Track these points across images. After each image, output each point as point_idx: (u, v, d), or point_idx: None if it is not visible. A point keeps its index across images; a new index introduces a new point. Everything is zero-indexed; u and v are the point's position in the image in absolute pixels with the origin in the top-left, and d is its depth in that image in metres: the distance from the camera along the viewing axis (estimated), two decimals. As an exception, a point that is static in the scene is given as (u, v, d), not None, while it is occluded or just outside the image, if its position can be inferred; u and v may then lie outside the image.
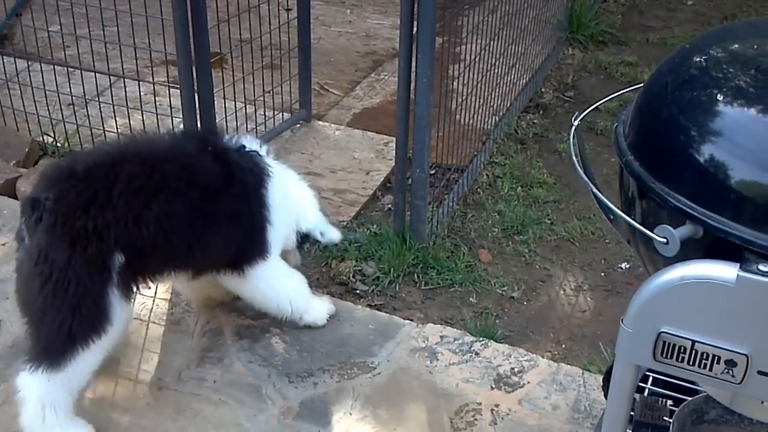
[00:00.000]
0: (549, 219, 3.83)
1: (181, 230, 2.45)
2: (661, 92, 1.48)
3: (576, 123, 1.69)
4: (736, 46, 1.52)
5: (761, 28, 1.62)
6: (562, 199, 4.00)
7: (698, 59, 1.48)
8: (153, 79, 3.82)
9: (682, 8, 6.45)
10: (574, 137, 1.66)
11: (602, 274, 3.51)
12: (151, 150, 2.51)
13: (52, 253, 2.25)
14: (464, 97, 3.91)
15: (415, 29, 3.09)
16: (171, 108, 3.63)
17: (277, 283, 2.82)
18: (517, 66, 4.70)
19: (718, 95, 1.37)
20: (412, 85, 3.18)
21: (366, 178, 3.90)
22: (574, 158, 1.62)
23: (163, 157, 2.47)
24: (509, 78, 4.56)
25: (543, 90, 5.06)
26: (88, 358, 2.36)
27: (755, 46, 1.50)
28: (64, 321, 2.28)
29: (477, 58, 3.90)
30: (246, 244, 2.66)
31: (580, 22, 5.61)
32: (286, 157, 3.97)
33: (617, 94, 1.88)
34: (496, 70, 4.27)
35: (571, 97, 5.05)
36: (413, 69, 3.14)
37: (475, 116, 4.14)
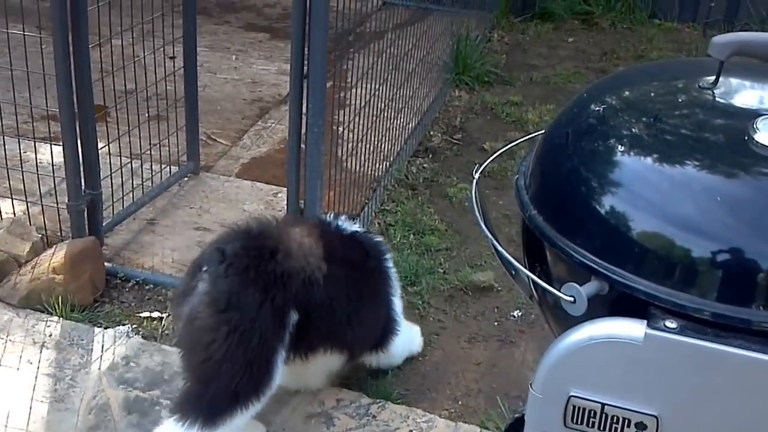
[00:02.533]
0: (442, 268, 3.78)
1: (343, 301, 2.48)
2: (561, 144, 1.46)
3: (477, 176, 1.65)
4: (632, 93, 1.51)
5: (652, 74, 1.63)
6: (454, 246, 3.97)
7: (596, 108, 1.46)
8: (34, 136, 3.59)
9: (563, 45, 6.59)
10: (475, 191, 1.62)
11: (495, 323, 3.46)
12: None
13: (244, 298, 2.23)
14: (354, 144, 3.86)
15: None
16: (53, 166, 3.45)
17: (404, 344, 2.99)
18: (406, 110, 4.69)
19: (617, 146, 1.36)
20: (303, 133, 3.12)
21: (257, 231, 3.79)
22: (477, 213, 1.57)
23: (317, 231, 2.54)
24: (398, 122, 4.55)
25: (432, 133, 5.06)
26: (236, 423, 2.29)
27: (651, 94, 1.50)
28: (235, 376, 2.23)
29: (365, 105, 3.86)
30: (387, 321, 2.78)
31: (466, 63, 5.66)
32: (175, 213, 3.84)
33: (516, 143, 1.85)
34: (385, 115, 4.24)
35: (460, 140, 5.06)
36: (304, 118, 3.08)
37: (366, 163, 4.10)
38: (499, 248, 1.49)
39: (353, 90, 3.83)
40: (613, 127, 1.39)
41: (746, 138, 1.28)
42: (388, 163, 4.44)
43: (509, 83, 5.82)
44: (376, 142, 4.17)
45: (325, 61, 2.92)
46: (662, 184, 1.30)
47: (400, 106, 4.56)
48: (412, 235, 4.03)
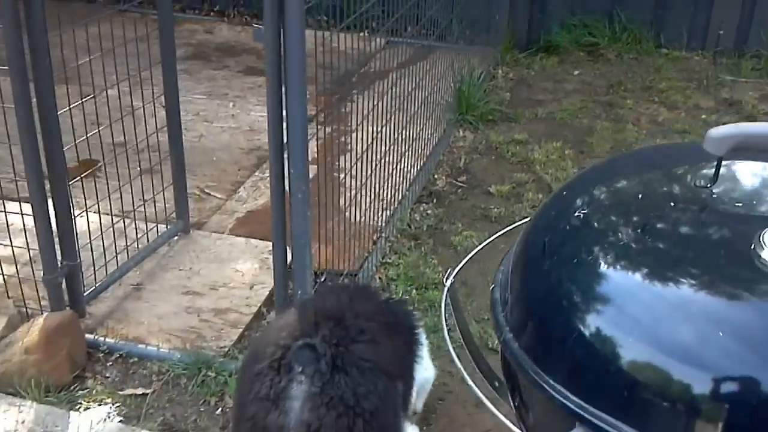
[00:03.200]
0: (447, 325, 3.60)
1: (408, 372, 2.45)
2: (538, 255, 1.26)
3: (448, 283, 1.46)
4: (619, 191, 1.31)
5: (643, 164, 1.41)
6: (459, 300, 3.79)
7: (578, 211, 1.26)
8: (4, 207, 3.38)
9: (569, 78, 6.41)
10: (445, 298, 1.43)
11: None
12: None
13: (375, 384, 2.11)
14: (354, 192, 3.70)
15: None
16: (25, 232, 3.26)
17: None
18: (409, 153, 4.53)
19: (602, 262, 1.15)
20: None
21: (250, 294, 3.62)
22: (444, 328, 1.38)
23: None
24: (401, 167, 4.39)
25: (436, 176, 4.90)
26: None
27: (640, 192, 1.29)
28: None
29: (367, 148, 3.70)
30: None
31: (470, 102, 5.50)
32: (162, 276, 3.67)
33: (490, 240, 1.66)
34: (387, 159, 4.08)
35: (464, 182, 4.89)
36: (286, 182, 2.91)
37: (367, 212, 3.93)
38: (470, 382, 1.29)
39: (354, 134, 3.67)
40: (598, 235, 1.19)
41: (751, 253, 1.08)
42: (389, 212, 4.27)
43: (514, 120, 5.65)
44: (378, 189, 4.01)
45: (305, 123, 2.75)
46: (657, 310, 1.09)
47: (404, 149, 4.40)
48: (414, 290, 3.85)
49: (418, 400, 2.81)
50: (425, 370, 2.77)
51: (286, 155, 2.83)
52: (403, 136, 4.32)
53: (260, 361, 2.15)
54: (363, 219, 3.89)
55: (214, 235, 4.07)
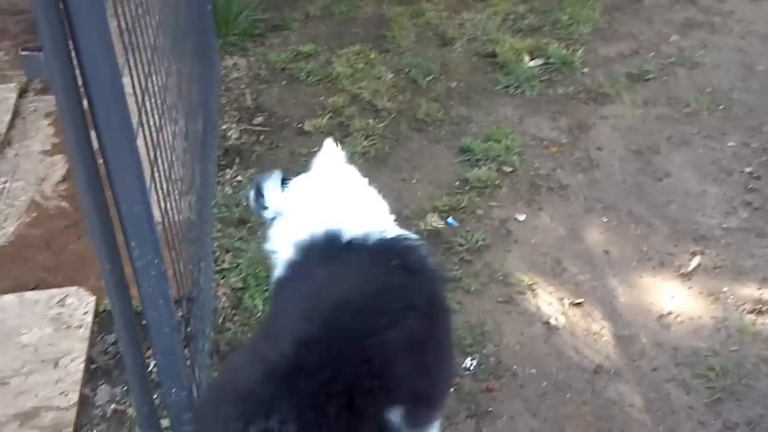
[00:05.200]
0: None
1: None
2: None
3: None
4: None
5: None
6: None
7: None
8: None
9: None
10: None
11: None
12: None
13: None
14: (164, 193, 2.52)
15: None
16: None
17: None
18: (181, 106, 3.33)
19: None
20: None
21: (58, 375, 2.42)
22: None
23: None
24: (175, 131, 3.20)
25: (225, 127, 3.74)
26: None
27: None
28: None
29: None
30: None
31: (227, 18, 4.31)
32: None
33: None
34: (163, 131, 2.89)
35: (263, 124, 3.78)
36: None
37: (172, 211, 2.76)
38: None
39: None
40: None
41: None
42: (194, 198, 3.11)
43: (286, 27, 4.53)
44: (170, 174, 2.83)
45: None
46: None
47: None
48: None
49: None
50: None
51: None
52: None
53: None
54: (166, 219, 2.73)
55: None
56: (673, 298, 2.82)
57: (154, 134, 2.09)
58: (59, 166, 3.48)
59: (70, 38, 1.47)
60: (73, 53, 1.48)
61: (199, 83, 3.26)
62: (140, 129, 1.91)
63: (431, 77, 4.01)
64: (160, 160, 2.15)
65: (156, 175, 2.06)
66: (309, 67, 4.10)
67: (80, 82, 1.52)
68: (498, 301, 2.83)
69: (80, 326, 2.64)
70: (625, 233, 3.10)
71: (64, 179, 3.40)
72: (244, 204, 3.24)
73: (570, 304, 2.81)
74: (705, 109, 3.73)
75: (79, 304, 2.74)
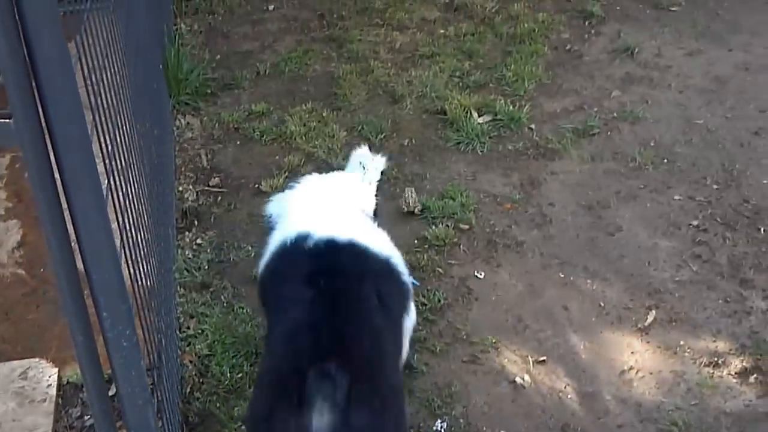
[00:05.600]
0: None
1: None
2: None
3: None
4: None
5: None
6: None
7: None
8: None
9: (267, 17, 5.33)
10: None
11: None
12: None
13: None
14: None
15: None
16: None
17: None
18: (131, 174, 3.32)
19: None
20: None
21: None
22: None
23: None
24: (132, 192, 3.18)
25: (181, 189, 3.74)
26: None
27: None
28: None
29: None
30: None
31: (178, 78, 4.32)
32: None
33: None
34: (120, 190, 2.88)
35: (220, 185, 3.79)
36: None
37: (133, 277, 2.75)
38: None
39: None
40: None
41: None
42: (155, 260, 3.09)
43: (236, 86, 4.56)
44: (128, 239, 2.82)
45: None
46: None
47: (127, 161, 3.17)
48: (243, 359, 2.82)
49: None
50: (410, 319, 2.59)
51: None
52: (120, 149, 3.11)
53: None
54: (135, 287, 2.71)
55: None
56: (633, 353, 2.90)
57: (122, 198, 2.10)
58: (14, 231, 3.44)
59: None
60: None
61: (156, 144, 3.27)
62: (109, 194, 1.93)
63: (383, 135, 4.07)
64: (127, 225, 2.16)
65: (125, 239, 2.07)
66: (262, 127, 4.13)
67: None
68: (463, 361, 2.88)
69: (44, 400, 2.61)
70: (583, 288, 3.18)
71: (19, 245, 3.36)
72: (206, 267, 3.25)
73: (534, 361, 2.87)
74: (650, 163, 3.86)
75: (42, 376, 2.71)
